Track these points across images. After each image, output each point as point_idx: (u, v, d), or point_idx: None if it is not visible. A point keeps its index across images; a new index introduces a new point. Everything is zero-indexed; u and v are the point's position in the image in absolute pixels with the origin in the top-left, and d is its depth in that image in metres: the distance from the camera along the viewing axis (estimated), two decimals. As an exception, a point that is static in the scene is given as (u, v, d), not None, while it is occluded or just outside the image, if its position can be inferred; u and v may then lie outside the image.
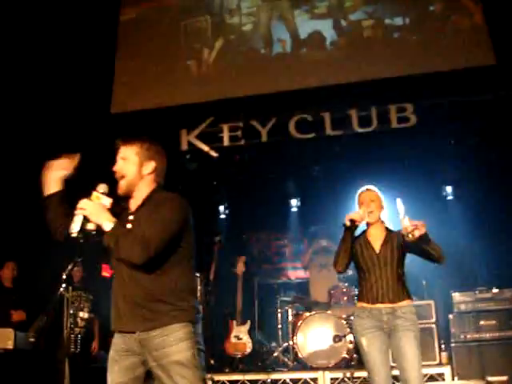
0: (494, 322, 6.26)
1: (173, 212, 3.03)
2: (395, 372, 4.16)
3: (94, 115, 8.31)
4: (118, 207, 3.14)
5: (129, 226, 3.05)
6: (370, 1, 8.29)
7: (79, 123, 8.13)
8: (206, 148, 8.24)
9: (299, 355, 6.67)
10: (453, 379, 6.07)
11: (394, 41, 8.08)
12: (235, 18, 8.77)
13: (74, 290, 6.24)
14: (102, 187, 3.08)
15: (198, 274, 7.69)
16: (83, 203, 2.97)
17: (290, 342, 7.02)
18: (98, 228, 2.97)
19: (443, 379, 6.08)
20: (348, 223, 4.15)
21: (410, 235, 3.80)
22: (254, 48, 8.57)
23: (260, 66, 8.42)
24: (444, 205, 8.48)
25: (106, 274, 8.99)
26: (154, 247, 2.91)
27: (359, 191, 4.39)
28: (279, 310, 7.49)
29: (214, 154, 8.24)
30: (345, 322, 6.59)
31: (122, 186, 3.13)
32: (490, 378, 5.95)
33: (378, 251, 4.18)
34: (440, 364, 6.26)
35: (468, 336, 6.27)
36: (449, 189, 8.64)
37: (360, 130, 7.78)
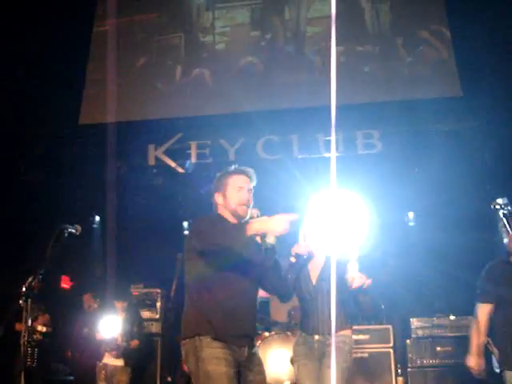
0: (450, 348, 6.35)
1: None
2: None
3: (62, 125, 8.26)
4: None
5: None
6: (342, 28, 8.40)
7: (47, 132, 8.08)
8: (173, 164, 8.24)
9: (257, 375, 6.63)
10: (408, 404, 6.13)
11: (362, 67, 8.22)
12: (209, 36, 8.83)
13: (33, 302, 6.11)
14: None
15: (158, 290, 7.65)
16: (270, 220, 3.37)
17: (248, 362, 6.97)
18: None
19: (398, 404, 6.14)
20: (293, 260, 4.21)
21: (349, 282, 3.91)
22: (225, 67, 8.61)
23: (230, 85, 8.46)
24: (405, 231, 8.57)
25: (65, 285, 8.87)
26: None
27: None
28: (239, 329, 7.44)
29: (180, 170, 8.24)
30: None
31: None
32: (444, 404, 6.03)
33: (314, 283, 4.20)
34: (396, 388, 6.31)
35: (424, 361, 6.34)
36: (411, 215, 8.74)
37: (326, 155, 7.86)
